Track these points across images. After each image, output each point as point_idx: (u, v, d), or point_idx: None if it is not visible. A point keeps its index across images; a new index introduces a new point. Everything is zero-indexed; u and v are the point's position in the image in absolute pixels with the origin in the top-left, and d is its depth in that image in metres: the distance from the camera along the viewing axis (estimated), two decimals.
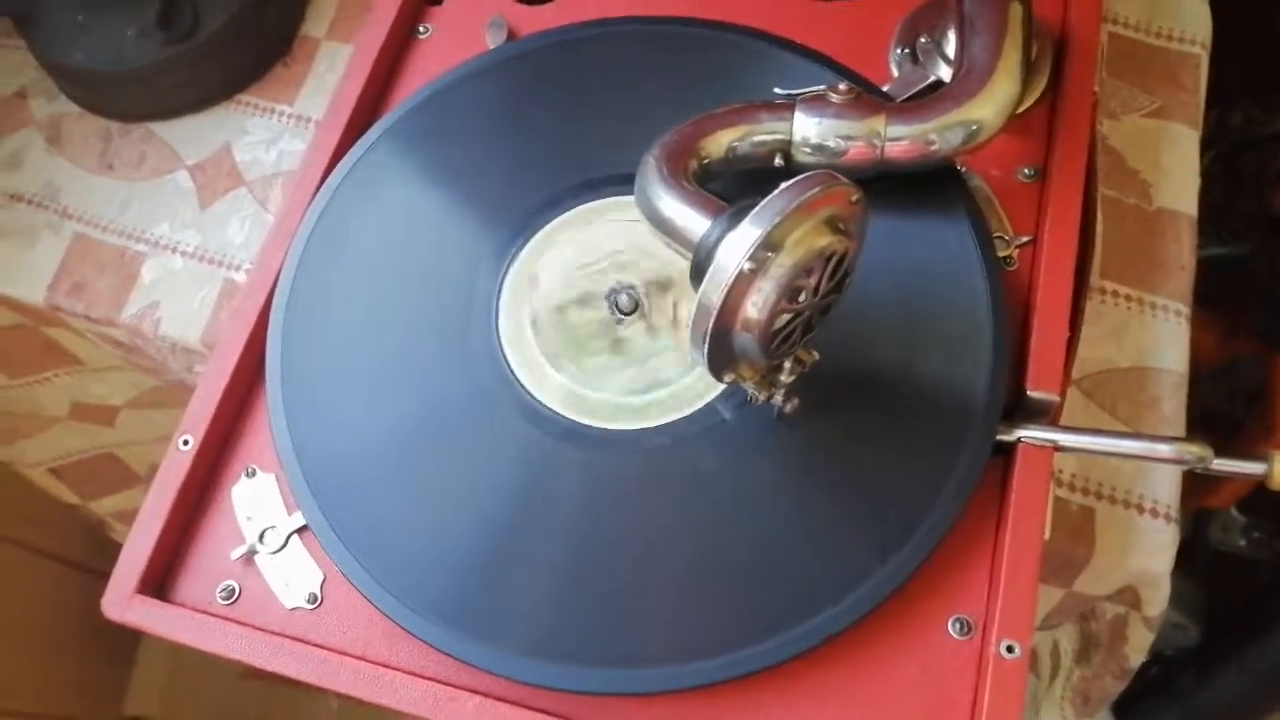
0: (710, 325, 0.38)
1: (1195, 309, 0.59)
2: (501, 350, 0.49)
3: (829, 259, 0.38)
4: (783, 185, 0.37)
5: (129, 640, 1.17)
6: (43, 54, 0.67)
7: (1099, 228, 0.59)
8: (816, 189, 0.37)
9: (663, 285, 0.49)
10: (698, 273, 0.39)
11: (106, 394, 0.77)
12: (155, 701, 1.18)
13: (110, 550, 0.48)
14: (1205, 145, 0.64)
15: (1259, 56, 0.96)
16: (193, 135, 0.68)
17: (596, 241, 0.51)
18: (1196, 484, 0.59)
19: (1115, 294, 0.59)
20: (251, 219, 0.65)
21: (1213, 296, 0.62)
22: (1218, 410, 0.93)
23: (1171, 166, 0.62)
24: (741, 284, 0.37)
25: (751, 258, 0.37)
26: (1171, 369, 0.57)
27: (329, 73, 0.68)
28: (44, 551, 1.02)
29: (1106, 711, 0.93)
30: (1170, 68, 0.65)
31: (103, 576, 0.45)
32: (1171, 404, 0.56)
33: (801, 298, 0.39)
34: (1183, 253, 0.60)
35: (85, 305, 0.63)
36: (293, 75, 0.69)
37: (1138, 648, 0.62)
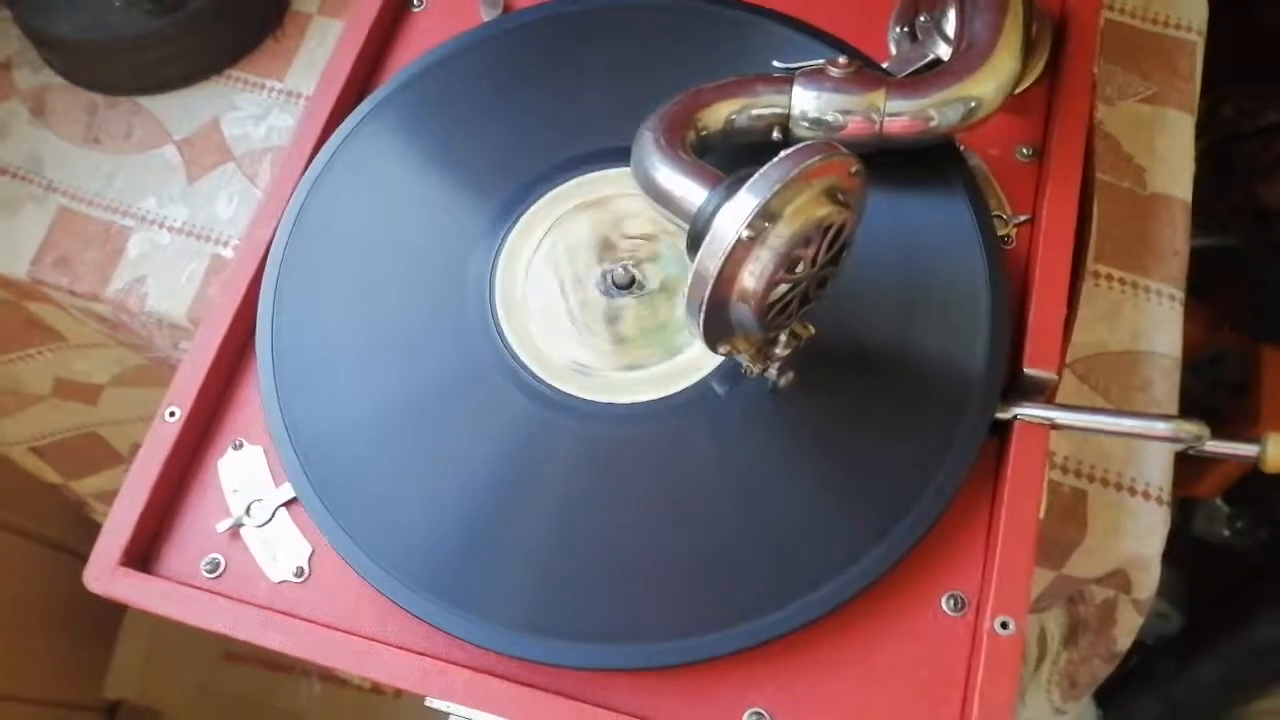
0: (707, 294, 0.37)
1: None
2: (496, 323, 0.48)
3: (827, 230, 0.38)
4: (782, 154, 0.37)
5: (109, 623, 1.15)
6: (28, 24, 0.66)
7: (1094, 211, 0.59)
8: (816, 158, 0.37)
9: (658, 260, 0.49)
10: (694, 242, 0.39)
11: (90, 371, 0.76)
12: (135, 685, 1.16)
13: (91, 531, 0.47)
14: (1195, 136, 0.64)
15: (1250, 49, 0.96)
16: (181, 109, 0.67)
17: (593, 215, 0.50)
18: (1182, 473, 0.59)
19: (1109, 277, 0.59)
20: (240, 194, 0.64)
21: (1199, 287, 0.62)
22: (1201, 401, 0.94)
23: (1166, 152, 0.62)
24: (739, 253, 0.37)
25: (750, 226, 0.36)
26: (1164, 353, 0.57)
27: (320, 48, 0.68)
28: (24, 532, 1.01)
29: (1089, 698, 0.93)
30: (1166, 54, 0.65)
31: (83, 558, 0.44)
32: (1164, 388, 0.56)
33: (799, 269, 0.38)
34: (1177, 237, 0.60)
35: (70, 280, 0.62)
36: (283, 50, 0.68)
37: (1127, 630, 0.62)
